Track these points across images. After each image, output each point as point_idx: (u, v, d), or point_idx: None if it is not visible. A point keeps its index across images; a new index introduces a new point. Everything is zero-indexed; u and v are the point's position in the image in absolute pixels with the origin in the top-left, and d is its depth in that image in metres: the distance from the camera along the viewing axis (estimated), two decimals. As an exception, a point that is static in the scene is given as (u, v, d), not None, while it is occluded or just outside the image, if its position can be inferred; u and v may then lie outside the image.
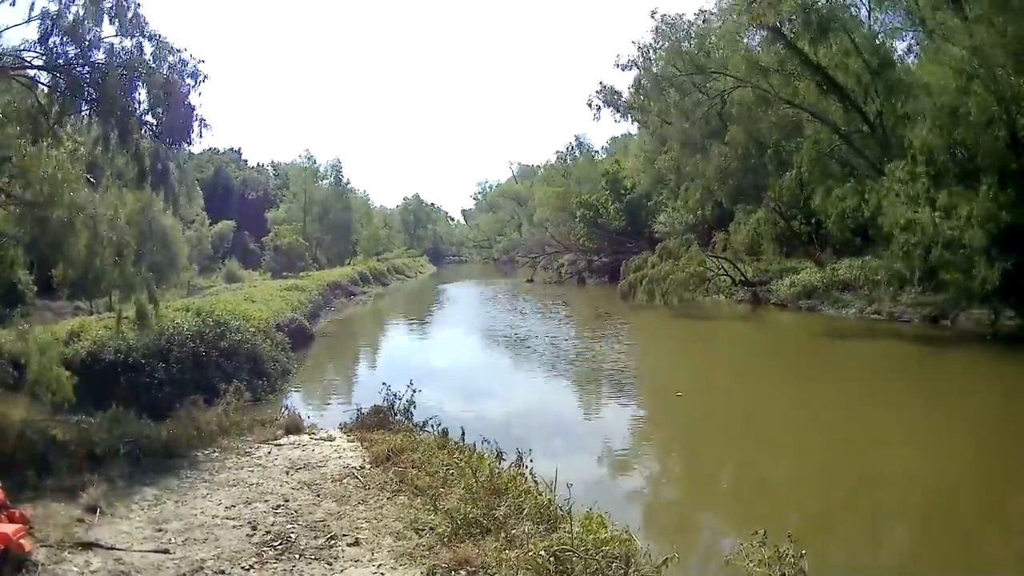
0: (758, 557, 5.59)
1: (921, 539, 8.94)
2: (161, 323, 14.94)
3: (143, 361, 14.04)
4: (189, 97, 11.60)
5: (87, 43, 10.95)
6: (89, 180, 11.65)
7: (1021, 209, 20.94)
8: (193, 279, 38.89)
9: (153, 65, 11.22)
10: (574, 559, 5.95)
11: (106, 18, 10.99)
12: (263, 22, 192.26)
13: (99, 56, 11.07)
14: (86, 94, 11.18)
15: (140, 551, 6.95)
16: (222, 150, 72.99)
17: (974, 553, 8.20)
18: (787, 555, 5.52)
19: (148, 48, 11.29)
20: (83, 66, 11.00)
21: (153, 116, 11.47)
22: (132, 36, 11.10)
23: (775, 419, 14.73)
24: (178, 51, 11.51)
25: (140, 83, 11.24)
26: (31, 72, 11.49)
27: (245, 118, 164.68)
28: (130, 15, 11.02)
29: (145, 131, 11.57)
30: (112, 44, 11.17)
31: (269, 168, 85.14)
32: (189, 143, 12.32)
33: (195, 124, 11.80)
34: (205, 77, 11.77)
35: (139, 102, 11.38)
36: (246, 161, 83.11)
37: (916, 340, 22.66)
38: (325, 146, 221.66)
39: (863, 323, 26.67)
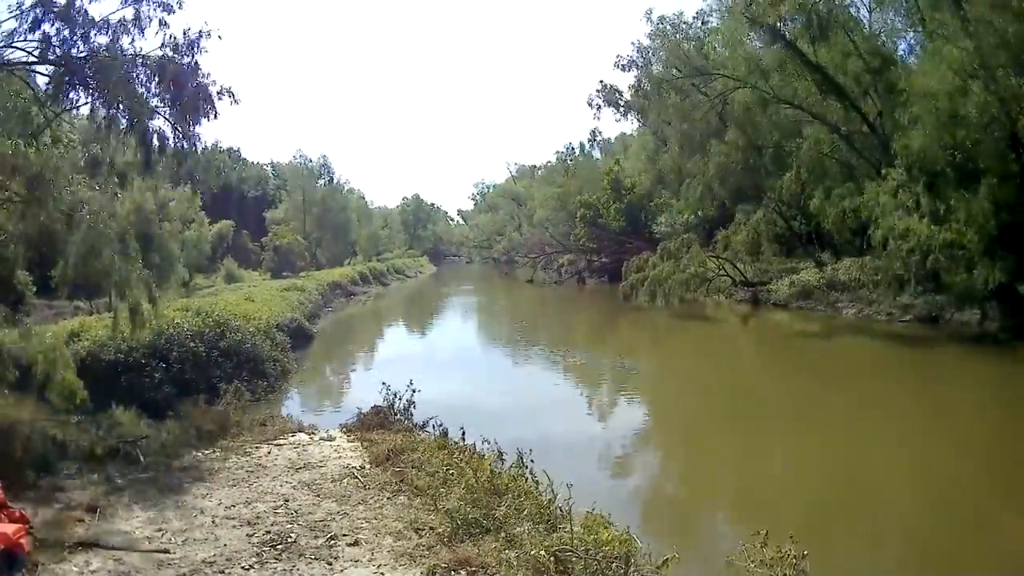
0: (759, 557, 5.59)
1: (923, 537, 8.92)
2: (161, 323, 14.91)
3: (143, 361, 14.00)
4: (199, 67, 10.81)
5: (80, 24, 10.37)
6: (88, 176, 11.45)
7: (1021, 210, 20.94)
8: (190, 279, 38.83)
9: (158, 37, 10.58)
10: (574, 559, 5.95)
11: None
12: (263, 22, 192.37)
13: (98, 39, 10.54)
14: (86, 80, 10.56)
15: (140, 551, 6.94)
16: (221, 150, 72.97)
17: (978, 550, 8.18)
18: (788, 555, 5.52)
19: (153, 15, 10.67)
20: (81, 54, 10.51)
21: (161, 98, 10.78)
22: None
23: (776, 419, 14.73)
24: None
25: (143, 64, 10.57)
26: (27, 63, 10.90)
27: (244, 118, 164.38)
28: None
29: (154, 111, 10.82)
30: (108, 19, 10.63)
31: (268, 168, 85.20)
32: (209, 118, 11.19)
33: (212, 93, 10.85)
34: (211, 32, 10.88)
35: (143, 80, 10.69)
36: (244, 161, 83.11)
37: (915, 340, 22.67)
38: (324, 146, 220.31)
39: (862, 323, 26.67)
